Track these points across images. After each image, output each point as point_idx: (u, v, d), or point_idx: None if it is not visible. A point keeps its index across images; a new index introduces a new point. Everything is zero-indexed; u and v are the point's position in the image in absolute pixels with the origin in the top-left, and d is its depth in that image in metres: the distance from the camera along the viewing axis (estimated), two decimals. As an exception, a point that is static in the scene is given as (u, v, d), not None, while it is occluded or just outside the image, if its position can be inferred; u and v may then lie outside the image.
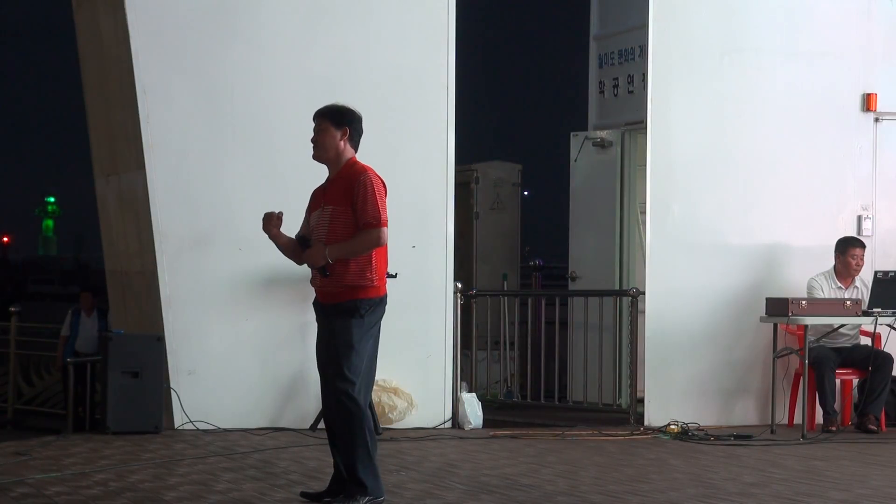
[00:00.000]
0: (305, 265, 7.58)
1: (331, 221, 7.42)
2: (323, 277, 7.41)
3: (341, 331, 7.37)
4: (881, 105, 12.05)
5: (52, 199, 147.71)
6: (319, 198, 7.58)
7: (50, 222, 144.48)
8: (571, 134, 13.83)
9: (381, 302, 7.48)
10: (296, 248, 7.56)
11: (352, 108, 7.60)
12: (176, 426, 10.70)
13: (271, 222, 7.51)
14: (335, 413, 7.42)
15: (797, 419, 11.35)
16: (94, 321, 15.17)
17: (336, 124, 7.50)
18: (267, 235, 7.55)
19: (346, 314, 7.37)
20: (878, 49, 12.14)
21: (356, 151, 7.55)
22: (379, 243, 7.37)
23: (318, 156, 7.55)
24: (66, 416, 12.49)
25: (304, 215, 7.68)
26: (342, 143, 7.50)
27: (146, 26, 10.74)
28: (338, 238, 7.38)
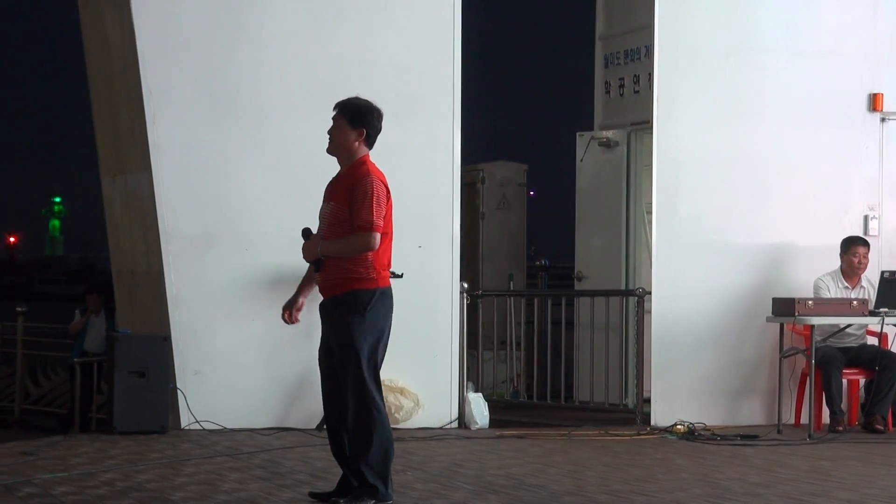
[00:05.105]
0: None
1: (331, 218, 7.47)
2: (316, 272, 7.47)
3: (344, 333, 7.36)
4: (887, 105, 12.03)
5: (58, 200, 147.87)
6: (329, 191, 7.62)
7: (56, 222, 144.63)
8: (577, 134, 13.82)
9: (383, 296, 7.45)
10: (309, 274, 7.63)
11: (372, 104, 7.57)
12: (182, 426, 10.70)
13: (294, 311, 7.60)
14: (344, 415, 7.40)
15: (804, 419, 11.34)
16: (102, 321, 15.16)
17: (352, 124, 7.50)
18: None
19: (347, 310, 7.36)
20: (885, 49, 12.12)
21: (371, 148, 7.57)
22: (368, 248, 7.37)
23: (331, 150, 7.58)
24: (73, 416, 12.50)
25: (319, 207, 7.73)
26: (356, 143, 7.51)
27: (152, 26, 10.75)
28: (334, 235, 7.44)
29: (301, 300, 7.63)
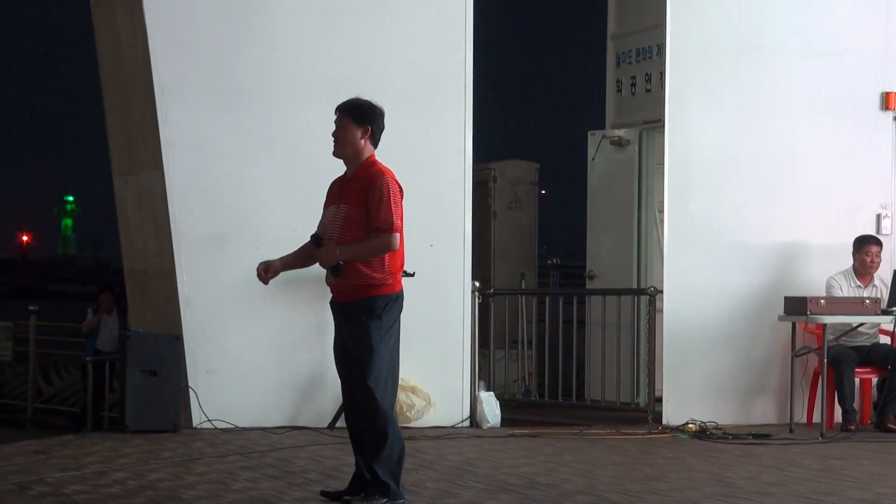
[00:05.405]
0: (318, 265, 7.59)
1: (344, 221, 7.41)
2: (335, 277, 7.42)
3: (361, 335, 7.36)
4: (900, 103, 12.03)
5: (71, 199, 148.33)
6: (336, 194, 7.57)
7: (69, 221, 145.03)
8: (589, 132, 13.81)
9: (398, 299, 7.46)
10: (302, 256, 7.59)
11: (374, 103, 7.54)
12: (194, 425, 10.71)
13: (267, 275, 7.54)
14: (361, 415, 7.41)
15: (816, 418, 11.33)
16: (114, 320, 15.22)
17: (357, 122, 7.47)
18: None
19: (364, 315, 7.36)
20: (897, 47, 12.11)
21: (376, 148, 7.54)
22: (390, 248, 7.35)
23: (337, 152, 7.53)
24: (85, 415, 12.53)
25: (322, 209, 7.69)
26: (362, 141, 7.48)
27: (164, 25, 10.76)
28: (351, 238, 7.37)
29: (279, 267, 7.56)
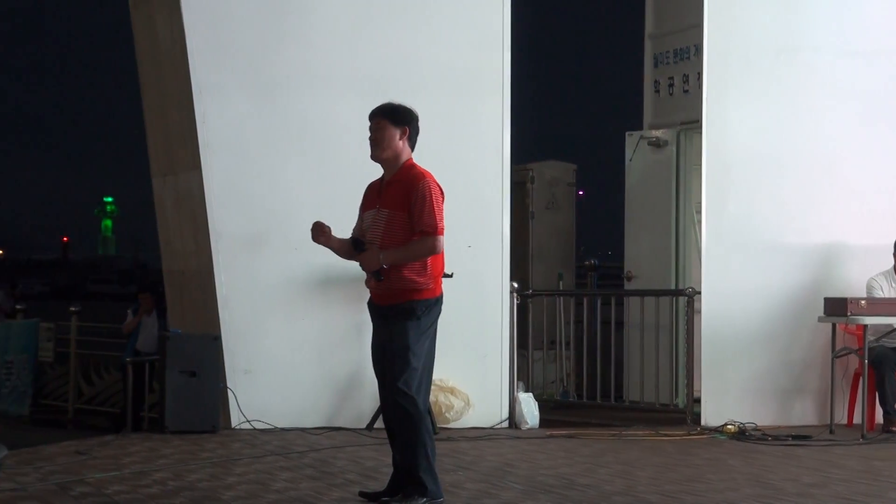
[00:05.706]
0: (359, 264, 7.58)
1: (386, 225, 7.39)
2: (377, 281, 7.41)
3: (398, 334, 7.36)
4: (940, 103, 11.94)
5: (110, 199, 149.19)
6: (374, 197, 7.56)
7: (108, 222, 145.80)
8: (626, 133, 13.79)
9: (437, 302, 7.46)
10: (349, 249, 7.56)
11: (408, 106, 7.56)
12: (233, 425, 10.75)
13: (322, 233, 7.47)
14: (394, 414, 7.42)
15: (856, 419, 11.27)
16: (154, 320, 15.27)
17: (395, 123, 7.46)
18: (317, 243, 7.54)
19: (403, 316, 7.36)
20: (937, 46, 12.01)
21: (413, 151, 7.54)
22: (434, 251, 7.34)
23: (377, 155, 7.51)
24: (126, 416, 12.58)
25: (357, 212, 7.68)
26: (401, 142, 7.47)
27: (202, 26, 10.80)
28: (393, 243, 7.36)
29: (331, 239, 7.44)
